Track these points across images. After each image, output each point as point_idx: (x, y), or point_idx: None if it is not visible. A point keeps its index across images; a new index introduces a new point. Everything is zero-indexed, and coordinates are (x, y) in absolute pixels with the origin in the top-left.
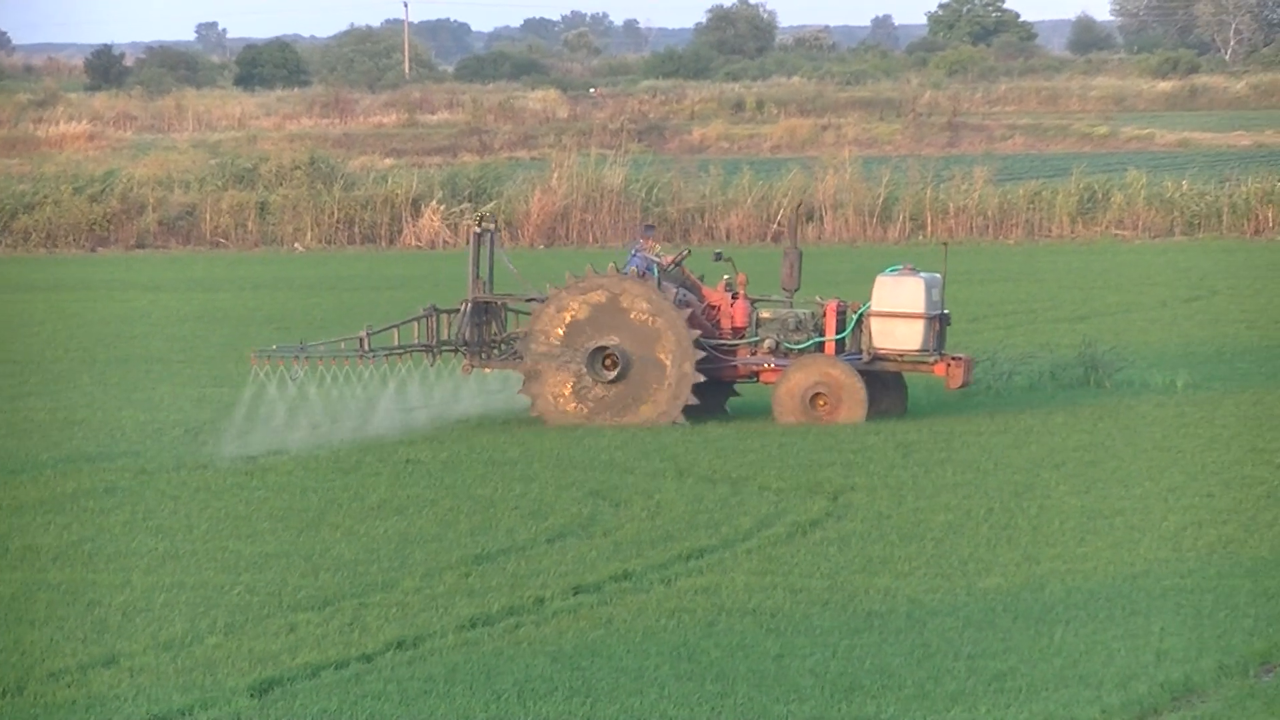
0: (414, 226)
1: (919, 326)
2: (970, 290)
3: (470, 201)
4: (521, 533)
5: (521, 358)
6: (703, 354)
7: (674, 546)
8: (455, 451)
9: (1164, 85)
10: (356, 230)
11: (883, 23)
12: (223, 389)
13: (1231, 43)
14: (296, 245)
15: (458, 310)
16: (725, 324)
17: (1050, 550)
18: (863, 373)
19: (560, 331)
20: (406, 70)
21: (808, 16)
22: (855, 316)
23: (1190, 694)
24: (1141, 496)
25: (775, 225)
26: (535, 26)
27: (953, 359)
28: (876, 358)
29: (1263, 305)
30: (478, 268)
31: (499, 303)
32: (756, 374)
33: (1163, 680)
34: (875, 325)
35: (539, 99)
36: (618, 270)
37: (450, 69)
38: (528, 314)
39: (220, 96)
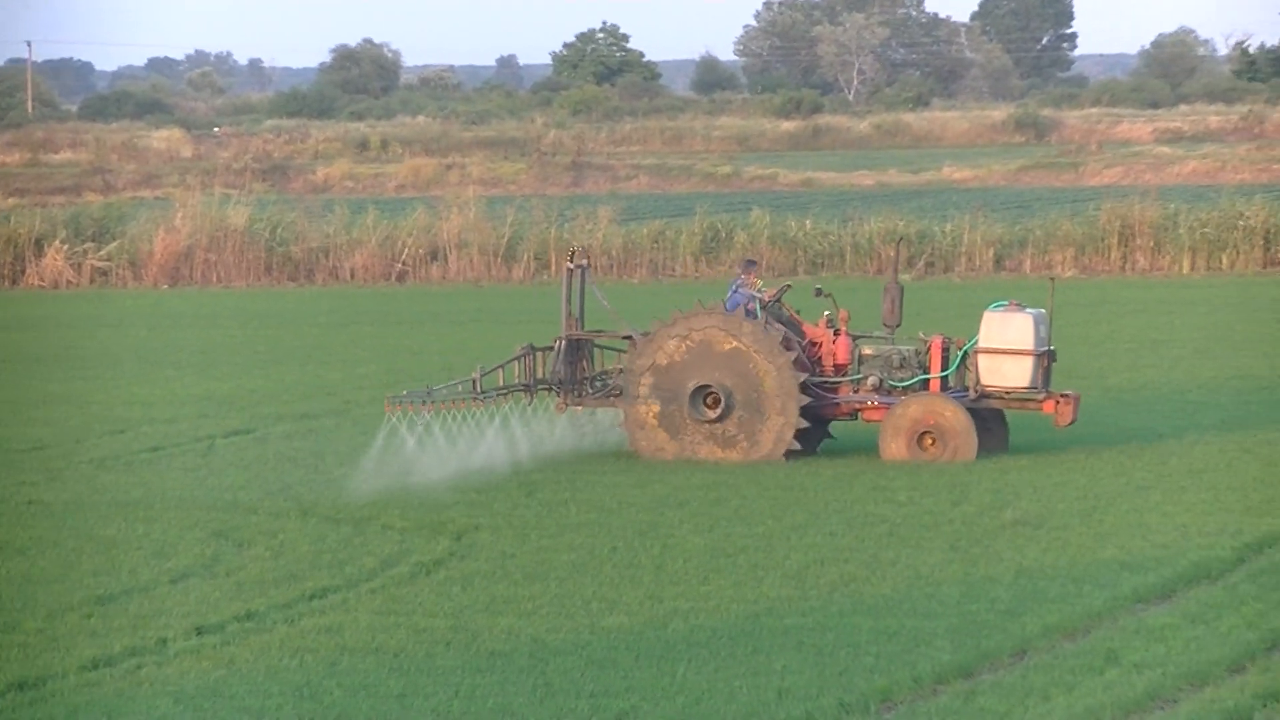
0: (37, 266)
1: (1028, 363)
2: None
3: (94, 241)
4: (144, 573)
5: (618, 394)
6: (809, 399)
7: (297, 586)
8: (78, 493)
9: (787, 125)
10: None
11: (508, 62)
12: None
13: (855, 83)
14: None
15: (552, 349)
16: (827, 361)
17: (674, 589)
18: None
19: (661, 369)
20: (29, 109)
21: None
22: (960, 353)
23: None
24: (764, 535)
25: (400, 265)
26: (159, 65)
27: (1061, 396)
28: (983, 395)
29: None
30: (570, 304)
31: (592, 340)
32: (858, 412)
33: (784, 718)
34: (983, 362)
35: (163, 138)
36: (721, 307)
37: (74, 108)
38: (620, 350)
39: None
